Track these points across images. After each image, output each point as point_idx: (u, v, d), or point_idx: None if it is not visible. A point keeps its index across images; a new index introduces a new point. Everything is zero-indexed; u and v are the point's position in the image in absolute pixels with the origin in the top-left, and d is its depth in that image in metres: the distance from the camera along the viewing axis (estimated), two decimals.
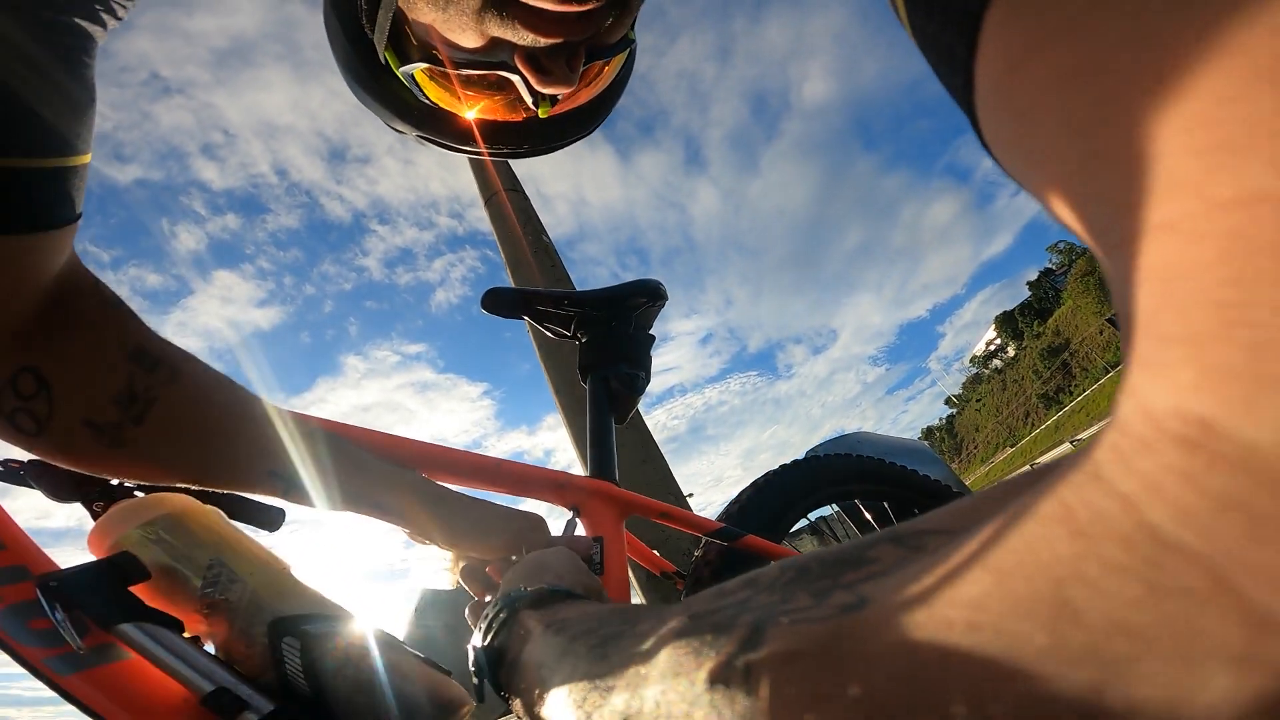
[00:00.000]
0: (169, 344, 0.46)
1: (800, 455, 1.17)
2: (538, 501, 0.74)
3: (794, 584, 0.19)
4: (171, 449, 0.45)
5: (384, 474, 0.55)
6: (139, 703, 0.39)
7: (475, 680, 0.37)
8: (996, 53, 0.16)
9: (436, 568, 0.60)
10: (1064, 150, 0.14)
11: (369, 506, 0.54)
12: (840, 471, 1.08)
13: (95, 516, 0.55)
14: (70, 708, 0.39)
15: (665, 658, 0.19)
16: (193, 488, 0.49)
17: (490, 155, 0.60)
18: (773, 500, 0.93)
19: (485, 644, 0.36)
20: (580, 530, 0.74)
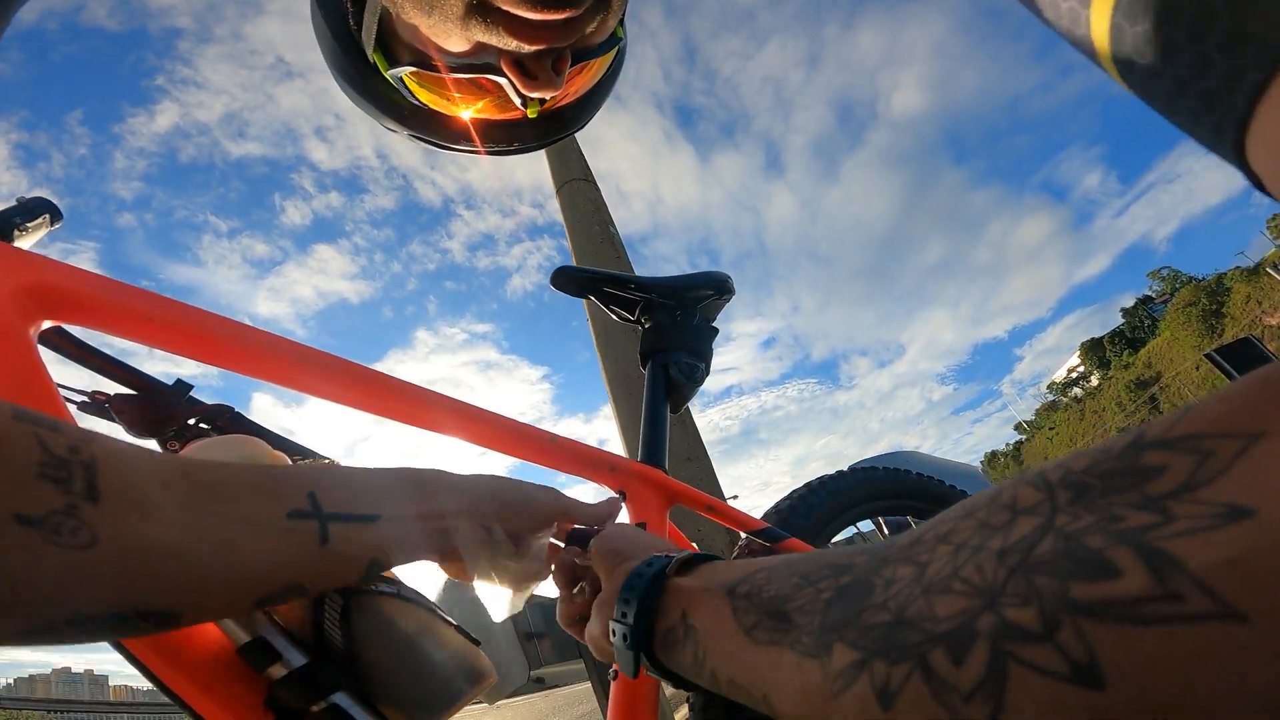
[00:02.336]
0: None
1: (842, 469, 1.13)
2: (586, 481, 0.75)
3: (1085, 501, 0.18)
4: (167, 521, 0.31)
5: (384, 472, 0.45)
6: (176, 649, 0.38)
7: (631, 655, 0.35)
8: None
9: (498, 599, 0.51)
10: None
11: (427, 520, 0.43)
12: (896, 486, 1.04)
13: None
14: (114, 654, 0.37)
15: (1021, 591, 0.18)
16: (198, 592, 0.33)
17: (476, 152, 0.61)
18: (823, 505, 0.90)
19: (636, 620, 0.36)
20: (625, 514, 0.73)
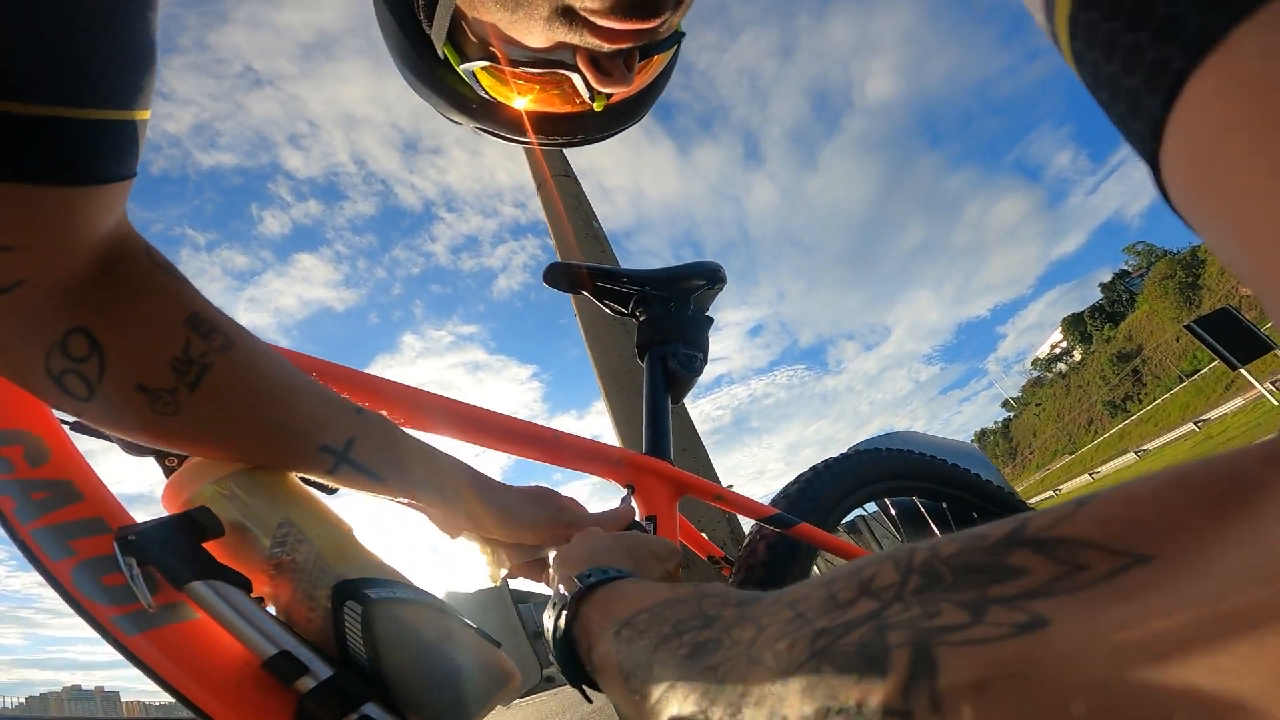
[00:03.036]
0: (222, 313, 0.44)
1: (845, 451, 1.13)
2: (592, 476, 0.74)
3: (927, 593, 0.17)
4: (225, 418, 0.43)
5: (432, 455, 0.53)
6: (201, 665, 0.38)
7: (566, 675, 0.37)
8: (1205, 120, 0.15)
9: (475, 566, 0.57)
10: None
11: (418, 488, 0.51)
12: (902, 467, 1.04)
13: (167, 473, 0.56)
14: (134, 670, 0.38)
15: (805, 680, 0.17)
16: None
17: (543, 145, 0.63)
18: (829, 489, 0.90)
19: (558, 643, 0.37)
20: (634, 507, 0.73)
